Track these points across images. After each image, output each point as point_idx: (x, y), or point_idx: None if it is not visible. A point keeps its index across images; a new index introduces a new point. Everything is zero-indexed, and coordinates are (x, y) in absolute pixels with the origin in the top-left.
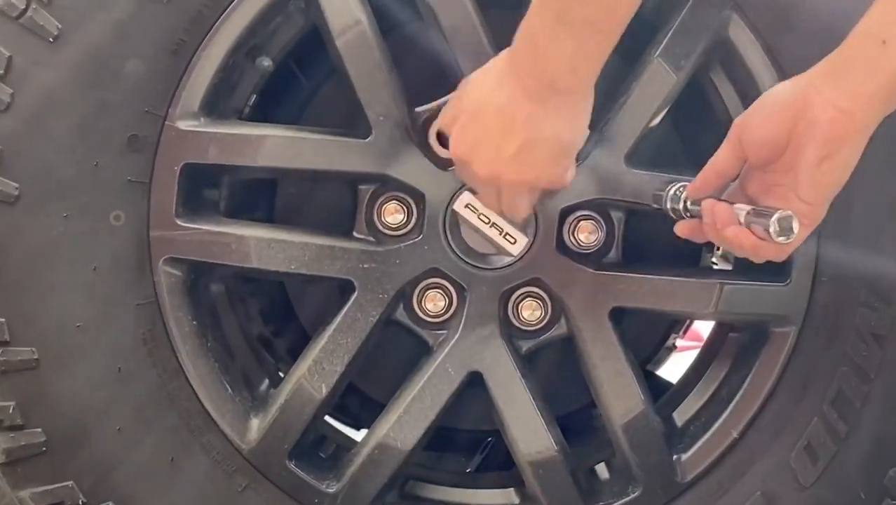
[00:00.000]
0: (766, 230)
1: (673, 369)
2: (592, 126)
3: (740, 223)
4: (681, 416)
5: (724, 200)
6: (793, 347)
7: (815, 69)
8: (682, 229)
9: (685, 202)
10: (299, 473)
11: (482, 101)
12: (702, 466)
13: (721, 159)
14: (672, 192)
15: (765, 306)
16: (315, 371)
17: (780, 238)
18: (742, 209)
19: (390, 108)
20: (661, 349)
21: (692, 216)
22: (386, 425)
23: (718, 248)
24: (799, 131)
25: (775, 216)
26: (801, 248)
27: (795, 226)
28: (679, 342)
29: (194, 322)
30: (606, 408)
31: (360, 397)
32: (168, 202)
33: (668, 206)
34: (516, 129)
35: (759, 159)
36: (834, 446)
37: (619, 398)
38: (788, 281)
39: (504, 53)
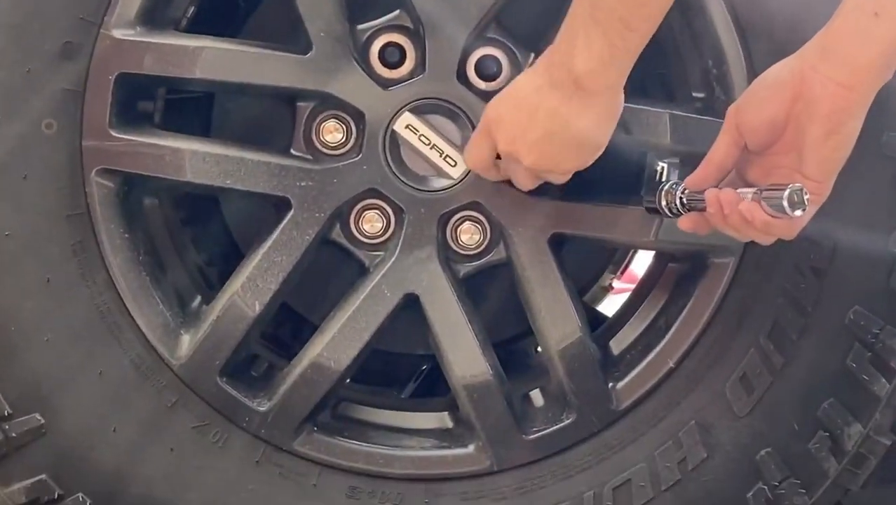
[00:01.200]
0: (778, 207)
1: (609, 310)
2: None
3: None
4: (617, 345)
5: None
6: (731, 279)
7: (807, 47)
8: (686, 224)
9: (682, 198)
10: (230, 391)
11: (518, 85)
12: (637, 395)
13: (720, 150)
14: (665, 189)
15: (704, 237)
16: (248, 288)
17: (796, 211)
18: (747, 192)
19: (332, 23)
20: (596, 283)
21: (691, 209)
22: (320, 345)
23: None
24: (798, 111)
25: (787, 190)
26: None
27: (806, 198)
28: (616, 283)
29: (126, 235)
30: (543, 334)
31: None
32: (102, 112)
33: (663, 204)
34: (539, 118)
35: (759, 143)
36: (769, 378)
37: (556, 324)
38: None
39: (547, 49)
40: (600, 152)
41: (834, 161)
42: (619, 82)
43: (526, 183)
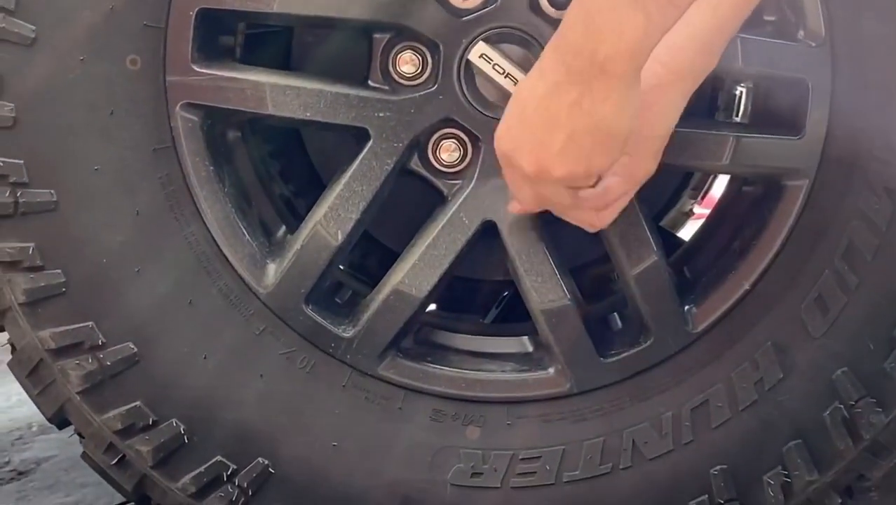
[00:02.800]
0: None
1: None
2: None
3: None
4: (693, 268)
5: None
6: (805, 201)
7: None
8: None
9: None
10: (316, 318)
11: (525, 96)
12: (713, 317)
13: None
14: None
15: (778, 159)
16: (331, 217)
17: None
18: None
19: None
20: (674, 206)
21: None
22: (401, 272)
23: None
24: None
25: None
26: (815, 102)
27: None
28: (696, 209)
29: (211, 167)
30: (619, 259)
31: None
32: (184, 47)
33: None
34: (560, 121)
35: None
36: (844, 298)
37: (632, 249)
38: (802, 134)
39: (549, 43)
40: (625, 143)
41: (647, 137)
42: (642, 64)
43: (566, 203)
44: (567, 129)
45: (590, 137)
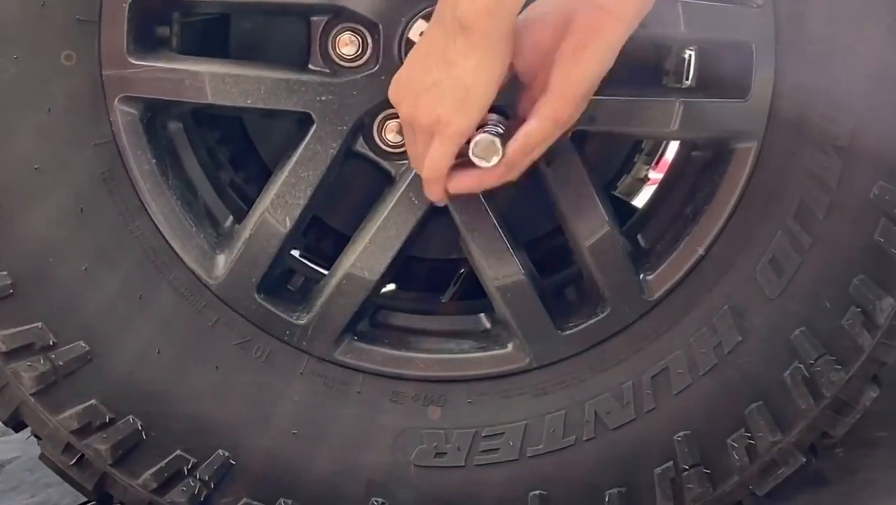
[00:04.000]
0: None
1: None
2: None
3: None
4: (647, 236)
5: None
6: (755, 163)
7: None
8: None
9: None
10: (269, 306)
11: (418, 45)
12: (669, 284)
13: None
14: None
15: (725, 123)
16: (278, 204)
17: (482, 161)
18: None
19: None
20: (627, 173)
21: None
22: (353, 256)
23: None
24: (562, 36)
25: (474, 139)
26: (760, 63)
27: (497, 148)
28: (651, 174)
29: (153, 160)
30: (572, 230)
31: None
32: (119, 40)
33: None
34: (430, 66)
35: (525, 70)
36: (798, 258)
37: (585, 220)
38: (748, 97)
39: None
40: (484, 105)
41: (576, 81)
42: (509, 26)
43: (444, 160)
44: (433, 79)
45: (449, 91)
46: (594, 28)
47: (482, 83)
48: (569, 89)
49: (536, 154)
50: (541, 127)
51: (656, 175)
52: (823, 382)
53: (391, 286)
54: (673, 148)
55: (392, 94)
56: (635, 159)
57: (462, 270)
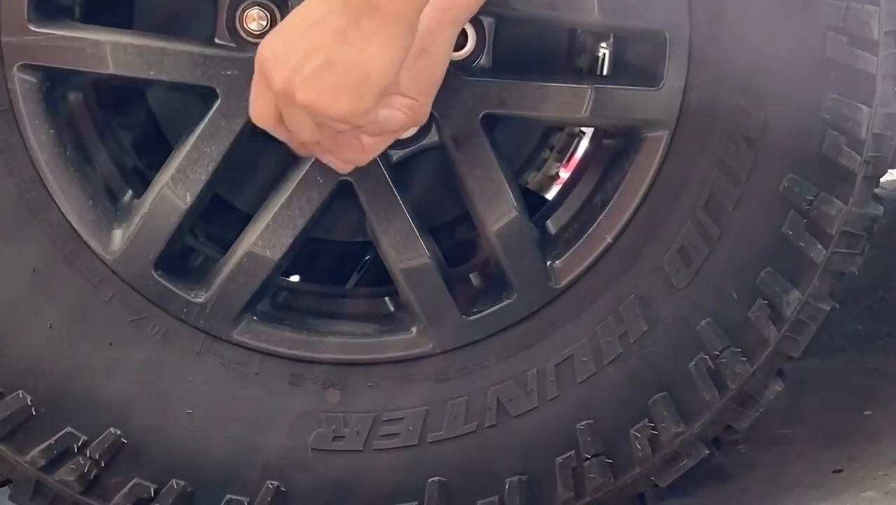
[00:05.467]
0: None
1: None
2: None
3: None
4: (555, 223)
5: None
6: (665, 152)
7: None
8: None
9: None
10: (166, 283)
11: (300, 11)
12: (575, 272)
13: None
14: None
15: (637, 111)
16: (178, 179)
17: None
18: None
19: None
20: (538, 168)
21: None
22: (254, 234)
23: None
24: None
25: None
26: (673, 52)
27: None
28: (562, 172)
29: (52, 131)
30: (479, 215)
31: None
32: (19, 7)
33: None
34: (321, 46)
35: None
36: (707, 249)
37: (492, 205)
38: (661, 85)
39: None
40: (381, 93)
41: (425, 81)
42: (419, 9)
43: (306, 136)
44: (323, 57)
45: (342, 72)
46: (433, 31)
47: (383, 70)
48: (423, 91)
49: (378, 151)
50: (403, 121)
51: (566, 174)
52: (728, 373)
53: (294, 277)
54: (584, 146)
55: (263, 60)
56: (546, 156)
57: (367, 257)
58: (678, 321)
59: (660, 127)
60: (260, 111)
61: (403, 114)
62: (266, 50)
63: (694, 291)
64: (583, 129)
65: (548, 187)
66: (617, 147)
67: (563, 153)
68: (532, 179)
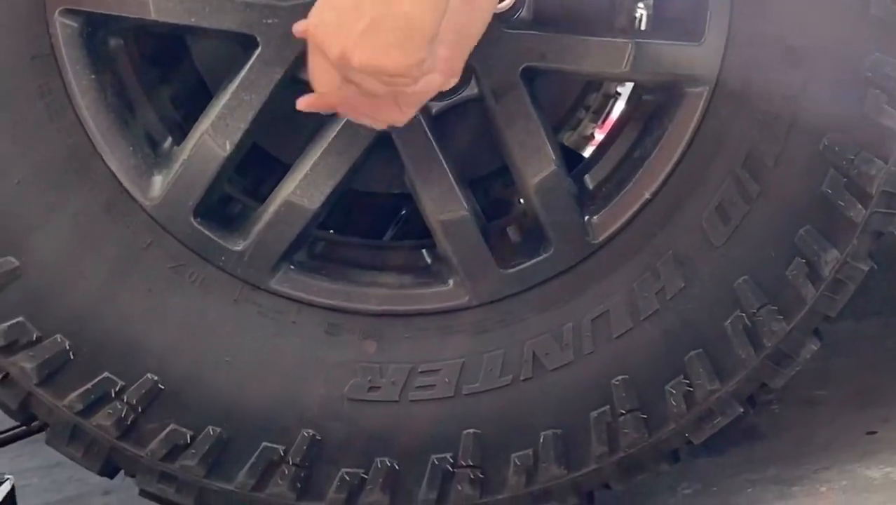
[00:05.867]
0: None
1: None
2: None
3: None
4: (594, 178)
5: None
6: (705, 108)
7: None
8: (302, 104)
9: None
10: (204, 231)
11: None
12: (613, 227)
13: None
14: None
15: (678, 66)
16: (218, 127)
17: None
18: None
19: None
20: (574, 128)
21: None
22: (292, 183)
23: None
24: None
25: None
26: (715, 7)
27: None
28: (597, 134)
29: (93, 76)
30: (518, 168)
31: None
32: None
33: None
34: (364, 7)
35: None
36: (745, 206)
37: (531, 158)
38: (702, 40)
39: None
40: (430, 39)
41: (466, 33)
42: None
43: (374, 89)
44: (370, 16)
45: (391, 29)
46: None
47: (428, 20)
48: (459, 43)
49: (419, 105)
50: (437, 81)
51: (601, 135)
52: (765, 332)
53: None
54: (619, 107)
55: (314, 33)
56: (581, 116)
57: (403, 211)
58: (715, 278)
59: (700, 83)
60: (322, 82)
61: (440, 69)
62: (315, 22)
63: (732, 248)
64: (618, 90)
65: (582, 148)
66: (656, 103)
67: (599, 114)
68: (567, 139)
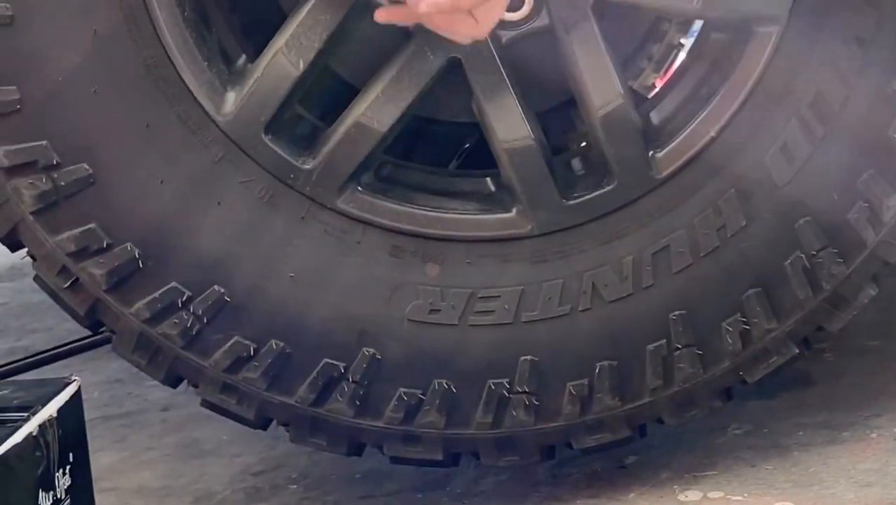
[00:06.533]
0: None
1: None
2: None
3: None
4: (659, 114)
5: None
6: (774, 48)
7: None
8: (381, 15)
9: None
10: (275, 148)
11: None
12: (677, 163)
13: None
14: None
15: (748, 5)
16: (293, 46)
17: None
18: None
19: None
20: (632, 69)
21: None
22: (363, 105)
23: None
24: None
25: None
26: None
27: None
28: (658, 84)
29: None
30: (585, 100)
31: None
32: None
33: None
34: None
35: None
36: (810, 148)
37: (598, 91)
38: None
39: None
40: None
41: None
42: None
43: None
44: None
45: None
46: None
47: None
48: None
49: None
50: None
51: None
52: (824, 273)
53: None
54: (681, 58)
55: None
56: (644, 66)
57: (467, 145)
58: (777, 218)
59: (771, 22)
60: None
61: None
62: None
63: (794, 189)
64: (681, 41)
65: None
66: (725, 40)
67: (661, 64)
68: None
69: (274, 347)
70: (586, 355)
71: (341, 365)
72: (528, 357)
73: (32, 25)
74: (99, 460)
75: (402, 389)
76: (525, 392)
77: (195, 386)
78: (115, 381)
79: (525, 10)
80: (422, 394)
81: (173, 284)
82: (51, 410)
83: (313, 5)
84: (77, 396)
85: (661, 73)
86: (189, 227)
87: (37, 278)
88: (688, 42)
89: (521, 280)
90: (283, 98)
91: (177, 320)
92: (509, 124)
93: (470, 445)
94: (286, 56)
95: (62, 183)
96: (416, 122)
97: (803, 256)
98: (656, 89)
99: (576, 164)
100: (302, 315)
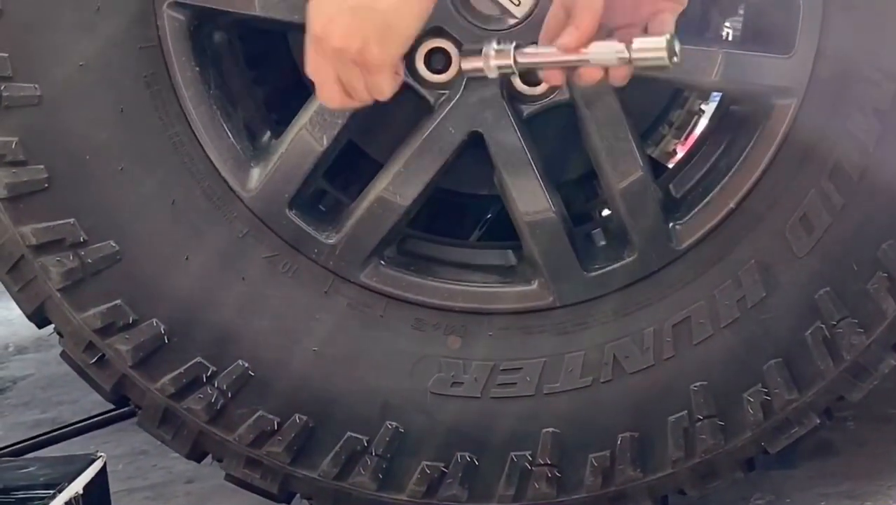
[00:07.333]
0: (656, 60)
1: None
2: None
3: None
4: (679, 186)
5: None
6: (793, 120)
7: None
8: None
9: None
10: (299, 223)
11: None
12: (697, 234)
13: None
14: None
15: (767, 77)
16: (316, 122)
17: (674, 59)
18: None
19: None
20: (653, 135)
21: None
22: (386, 180)
23: None
24: None
25: (663, 43)
26: (806, 20)
27: (677, 47)
28: (679, 149)
29: (197, 68)
30: (605, 172)
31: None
32: None
33: (493, 64)
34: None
35: None
36: (829, 218)
37: (619, 163)
38: (792, 53)
39: None
40: (407, 42)
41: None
42: None
43: (350, 80)
44: (351, 5)
45: (371, 23)
46: None
47: (403, 22)
48: None
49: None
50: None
51: (682, 152)
52: (844, 344)
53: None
54: (702, 124)
55: (309, 9)
56: (665, 132)
57: (489, 215)
58: (797, 289)
59: (789, 94)
60: (312, 67)
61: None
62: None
63: (814, 259)
64: (702, 107)
65: (665, 162)
66: (744, 112)
67: (682, 130)
68: (649, 153)
69: (297, 421)
70: (608, 427)
71: (364, 438)
72: (551, 429)
73: (61, 105)
74: None
75: (425, 463)
76: (547, 464)
77: (219, 460)
78: (140, 452)
79: (545, 84)
80: (444, 467)
81: (198, 358)
82: (77, 487)
83: None
84: (102, 471)
85: (682, 139)
86: (213, 302)
87: (63, 354)
88: (708, 108)
89: (543, 352)
90: (307, 173)
91: (201, 395)
92: (530, 197)
93: None
94: (310, 132)
95: (89, 260)
96: (439, 194)
97: (823, 326)
98: (677, 156)
99: (597, 235)
100: (325, 389)
